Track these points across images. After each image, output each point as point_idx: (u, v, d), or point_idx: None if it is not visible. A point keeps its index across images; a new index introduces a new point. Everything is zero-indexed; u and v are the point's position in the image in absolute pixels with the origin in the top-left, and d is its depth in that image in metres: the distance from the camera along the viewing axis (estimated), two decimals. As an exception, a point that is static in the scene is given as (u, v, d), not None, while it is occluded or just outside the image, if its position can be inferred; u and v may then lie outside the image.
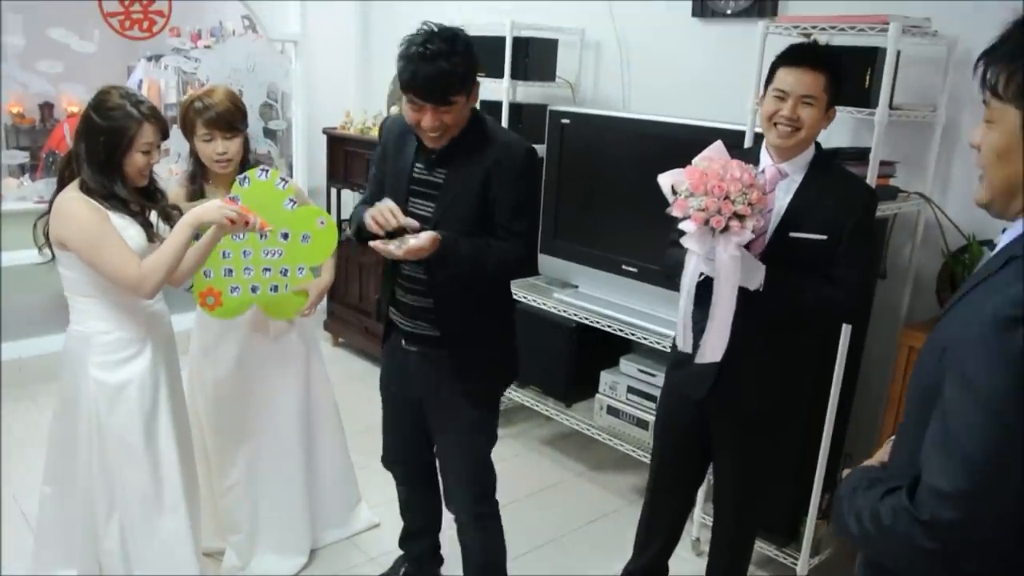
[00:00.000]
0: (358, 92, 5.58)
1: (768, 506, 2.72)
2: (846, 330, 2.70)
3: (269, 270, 2.68)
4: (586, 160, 3.68)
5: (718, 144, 2.22)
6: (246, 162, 2.74)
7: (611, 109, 3.90)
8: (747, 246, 2.12)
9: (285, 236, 2.65)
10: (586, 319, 3.62)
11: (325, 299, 5.20)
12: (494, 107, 3.91)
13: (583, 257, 3.71)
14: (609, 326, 3.52)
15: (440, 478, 2.59)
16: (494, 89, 3.87)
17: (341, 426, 3.16)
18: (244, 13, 5.67)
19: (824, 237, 2.19)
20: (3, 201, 4.56)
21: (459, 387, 2.41)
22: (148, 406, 2.44)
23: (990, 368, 1.08)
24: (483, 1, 4.02)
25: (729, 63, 3.45)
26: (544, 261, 3.83)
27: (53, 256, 2.36)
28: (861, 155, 2.65)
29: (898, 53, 2.58)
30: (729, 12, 3.48)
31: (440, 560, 2.92)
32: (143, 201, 2.41)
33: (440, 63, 2.11)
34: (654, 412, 2.96)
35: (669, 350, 2.60)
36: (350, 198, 5.44)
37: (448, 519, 2.69)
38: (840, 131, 3.07)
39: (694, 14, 3.61)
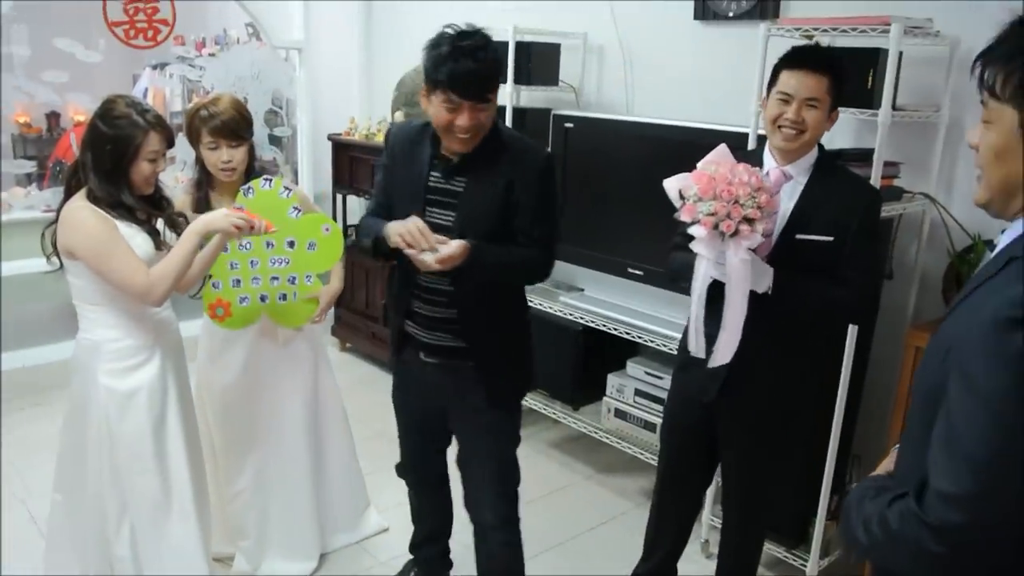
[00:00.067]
0: (362, 98, 5.60)
1: (777, 508, 2.72)
2: (852, 331, 2.70)
3: (277, 279, 2.69)
4: (590, 164, 3.68)
5: (723, 147, 2.22)
6: (251, 170, 2.75)
7: (614, 113, 3.92)
8: (754, 249, 2.13)
9: (291, 244, 2.66)
10: (592, 322, 3.62)
11: (334, 306, 5.27)
12: (498, 112, 3.90)
13: (589, 260, 3.72)
14: (615, 329, 3.53)
15: (463, 485, 2.54)
16: (497, 94, 3.87)
17: (349, 431, 3.17)
18: (248, 21, 5.70)
19: (830, 238, 2.19)
20: (11, 210, 4.59)
21: (484, 393, 2.38)
22: (157, 413, 2.45)
23: (991, 369, 1.09)
24: (486, 2, 4.03)
25: (731, 65, 3.45)
26: (550, 265, 3.83)
27: (61, 265, 2.38)
28: (865, 156, 2.66)
29: (900, 54, 2.59)
30: (731, 14, 3.49)
31: (449, 564, 2.92)
32: (149, 209, 2.42)
33: (479, 58, 2.10)
34: (661, 415, 2.97)
35: (676, 353, 2.60)
36: (356, 204, 5.46)
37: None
38: (843, 132, 3.07)
39: (696, 17, 3.62)
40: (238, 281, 2.66)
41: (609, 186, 3.62)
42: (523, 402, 2.56)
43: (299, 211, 2.62)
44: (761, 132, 2.52)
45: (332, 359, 3.18)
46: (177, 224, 2.48)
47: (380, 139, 4.89)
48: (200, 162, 2.73)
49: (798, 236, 2.21)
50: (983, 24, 1.22)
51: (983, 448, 1.08)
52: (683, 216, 2.12)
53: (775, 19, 3.07)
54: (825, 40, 2.77)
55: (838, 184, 2.25)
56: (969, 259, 2.77)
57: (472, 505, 2.52)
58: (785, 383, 2.34)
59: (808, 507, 2.92)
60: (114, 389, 2.39)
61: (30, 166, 4.80)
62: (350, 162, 5.16)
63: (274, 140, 5.17)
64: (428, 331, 2.38)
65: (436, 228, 2.18)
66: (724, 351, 2.20)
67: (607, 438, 3.70)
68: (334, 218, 5.14)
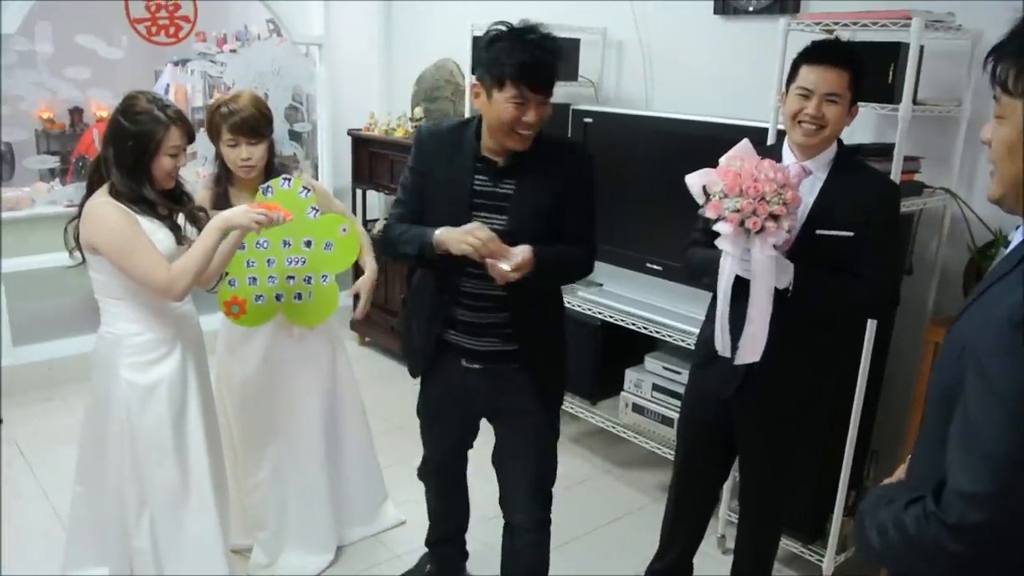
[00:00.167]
0: (382, 93, 5.62)
1: (794, 504, 2.71)
2: (872, 326, 2.69)
3: (293, 278, 2.72)
4: (609, 159, 3.67)
5: (745, 143, 2.21)
6: (271, 166, 2.77)
7: (634, 108, 3.91)
8: (776, 245, 2.12)
9: (308, 244, 2.68)
10: (611, 317, 3.62)
11: (351, 298, 5.29)
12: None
13: (607, 255, 3.69)
14: (634, 324, 3.53)
15: (500, 484, 2.51)
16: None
17: (367, 425, 3.19)
18: (269, 17, 5.72)
19: (851, 234, 2.18)
20: (34, 205, 4.64)
21: (532, 394, 2.37)
22: (178, 406, 2.47)
23: (1007, 367, 1.08)
24: (504, 1, 4.03)
25: (751, 60, 3.44)
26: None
27: (83, 260, 2.40)
28: (885, 151, 2.64)
29: (921, 48, 2.56)
30: (751, 9, 3.47)
31: (465, 555, 2.94)
32: (170, 204, 2.44)
33: (548, 49, 2.09)
34: (679, 410, 2.97)
35: (693, 348, 2.59)
36: (375, 199, 5.48)
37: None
38: (864, 127, 3.05)
39: (716, 12, 3.61)
40: (254, 279, 2.68)
41: (628, 181, 3.61)
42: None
43: (317, 211, 2.64)
44: (781, 127, 2.51)
45: (351, 353, 3.20)
46: (198, 219, 2.50)
47: (400, 134, 4.92)
48: (220, 158, 2.74)
49: (818, 232, 2.20)
50: (1005, 18, 1.21)
51: (1002, 446, 1.08)
52: (708, 212, 2.11)
53: (795, 14, 3.06)
54: (845, 34, 2.74)
55: (857, 179, 2.24)
56: (990, 254, 2.75)
57: (507, 504, 2.50)
58: (804, 379, 2.33)
59: (825, 503, 2.91)
60: (135, 382, 2.42)
61: (53, 161, 4.85)
62: (369, 157, 5.19)
63: (294, 135, 5.19)
64: (474, 337, 2.32)
65: None
66: (751, 348, 2.20)
67: (625, 433, 3.70)
68: (353, 212, 5.16)
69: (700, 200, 2.16)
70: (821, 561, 2.93)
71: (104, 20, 4.57)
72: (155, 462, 2.46)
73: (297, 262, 2.71)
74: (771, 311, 2.14)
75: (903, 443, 2.98)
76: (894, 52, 2.63)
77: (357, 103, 5.51)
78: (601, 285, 3.81)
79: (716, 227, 2.11)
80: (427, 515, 2.84)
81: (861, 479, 3.03)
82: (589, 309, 3.69)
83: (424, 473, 2.73)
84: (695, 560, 2.71)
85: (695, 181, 2.18)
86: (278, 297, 2.73)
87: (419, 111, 4.94)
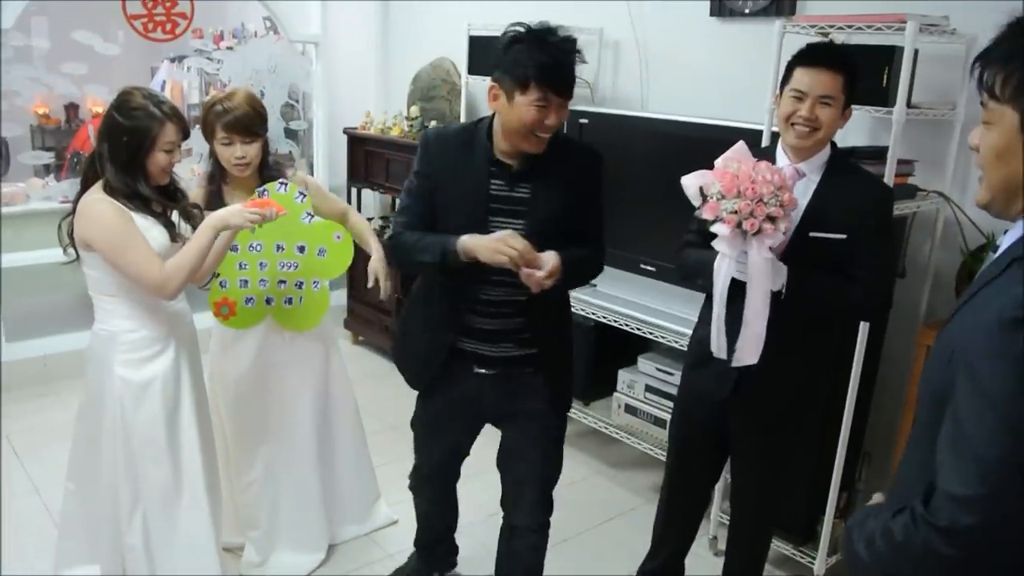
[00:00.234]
0: (378, 92, 5.62)
1: (785, 505, 2.72)
2: (864, 329, 2.69)
3: (284, 282, 2.72)
4: (605, 159, 3.68)
5: (741, 145, 2.22)
6: (265, 165, 2.77)
7: (629, 109, 3.91)
8: (771, 248, 2.13)
9: (301, 249, 2.69)
10: (604, 318, 3.62)
11: (345, 297, 5.30)
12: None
13: (601, 256, 3.72)
14: (627, 325, 3.53)
15: (504, 485, 2.50)
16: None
17: (360, 424, 3.18)
18: (265, 15, 5.72)
19: (843, 236, 2.19)
20: (29, 201, 4.63)
21: (546, 397, 2.37)
22: (172, 403, 2.47)
23: (996, 370, 1.09)
24: (501, 1, 4.03)
25: (747, 62, 3.44)
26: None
27: (78, 256, 2.40)
28: (879, 154, 2.65)
29: (916, 51, 2.57)
30: (747, 11, 3.48)
31: (456, 549, 2.94)
32: (165, 200, 2.44)
33: (570, 50, 2.07)
34: (671, 411, 2.97)
35: (686, 349, 2.60)
36: (371, 197, 5.49)
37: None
38: (858, 130, 3.06)
39: (712, 13, 3.61)
40: (245, 282, 2.69)
41: (623, 182, 3.60)
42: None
43: (312, 217, 2.64)
44: (775, 129, 2.52)
45: (344, 352, 3.20)
46: (192, 216, 2.50)
47: (396, 133, 4.91)
48: (214, 156, 2.74)
49: (811, 234, 2.21)
50: (1000, 22, 1.22)
51: (993, 449, 1.08)
52: (705, 214, 2.12)
53: (791, 16, 3.06)
54: (841, 37, 2.75)
55: (851, 182, 2.24)
56: (982, 258, 2.76)
57: (511, 505, 2.49)
58: (797, 381, 2.34)
59: (817, 505, 2.92)
60: (129, 380, 2.42)
61: (48, 157, 4.84)
62: (365, 156, 5.19)
63: (290, 133, 5.19)
64: (490, 344, 2.29)
65: None
66: (749, 351, 2.20)
67: (617, 434, 3.70)
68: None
69: (696, 202, 2.17)
70: (813, 563, 2.93)
71: (101, 16, 4.57)
72: (148, 459, 2.46)
73: (290, 267, 2.72)
74: (768, 313, 2.15)
75: (895, 445, 2.99)
76: (889, 55, 2.64)
77: (353, 102, 5.50)
78: (595, 286, 3.80)
79: (713, 228, 2.11)
80: (416, 519, 2.83)
81: (853, 481, 3.03)
82: (582, 310, 3.70)
83: (416, 481, 2.71)
84: (687, 561, 2.72)
85: (691, 182, 2.18)
86: (268, 301, 2.74)
87: (415, 110, 4.94)
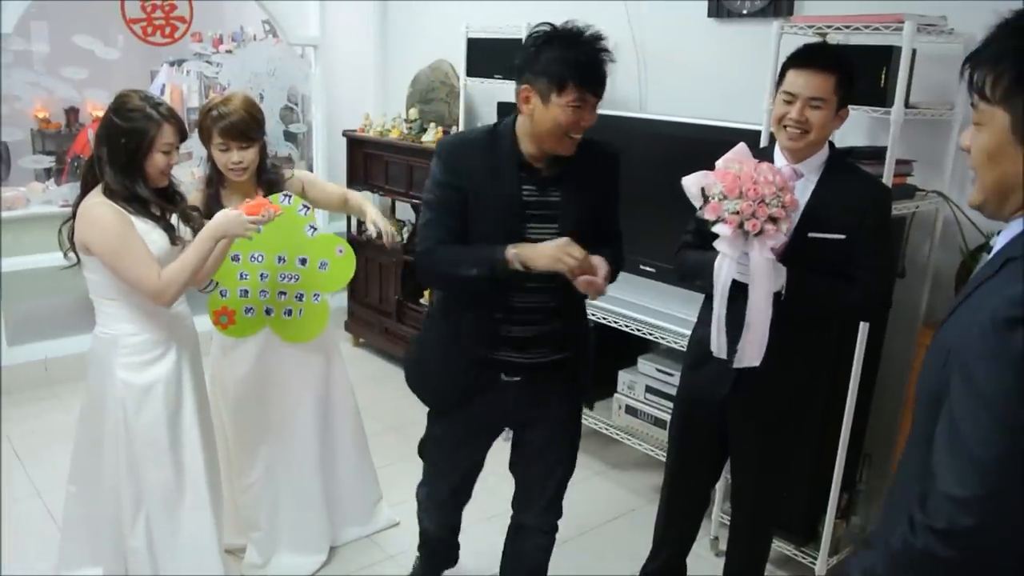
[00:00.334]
0: (377, 95, 5.62)
1: (786, 506, 2.73)
2: (864, 329, 2.70)
3: (284, 294, 2.73)
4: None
5: (742, 146, 2.22)
6: (263, 168, 2.77)
7: (627, 110, 3.91)
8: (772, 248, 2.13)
9: (303, 262, 2.70)
10: (604, 319, 3.63)
11: (345, 299, 5.30)
12: (511, 109, 3.91)
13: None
14: (627, 326, 3.53)
15: (518, 486, 2.48)
16: (512, 91, 3.88)
17: (361, 425, 3.19)
18: (264, 18, 5.73)
19: (842, 237, 2.19)
20: (29, 205, 4.64)
21: (573, 399, 2.38)
22: (173, 406, 2.48)
23: (992, 370, 1.09)
24: (499, 2, 4.04)
25: (745, 63, 3.45)
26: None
27: (78, 260, 2.41)
28: (878, 154, 2.65)
29: (914, 51, 2.58)
30: (745, 12, 3.48)
31: (457, 546, 2.93)
32: (163, 203, 2.44)
33: (603, 48, 2.06)
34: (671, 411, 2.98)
35: (685, 350, 2.60)
36: (370, 200, 5.47)
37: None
38: (856, 130, 3.06)
39: (710, 14, 3.62)
40: (246, 292, 2.70)
41: (621, 182, 3.61)
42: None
43: (315, 230, 2.66)
44: (773, 130, 2.52)
45: (345, 354, 3.20)
46: (191, 219, 2.50)
47: (395, 135, 4.92)
48: (211, 160, 2.74)
49: (810, 235, 2.21)
50: (997, 21, 1.22)
51: (989, 450, 1.08)
52: (707, 214, 2.12)
53: (788, 17, 3.06)
54: (838, 38, 2.76)
55: (849, 182, 2.24)
56: (981, 257, 2.76)
57: (523, 506, 2.48)
58: (796, 381, 2.34)
59: (818, 505, 2.92)
60: (131, 383, 2.43)
61: (48, 161, 4.85)
62: (364, 159, 5.19)
63: (289, 136, 5.20)
64: (522, 352, 2.23)
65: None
66: (751, 352, 2.21)
67: (618, 434, 3.71)
68: (346, 218, 5.16)
69: (697, 202, 2.17)
70: (814, 564, 2.94)
71: (100, 20, 4.58)
72: (151, 462, 2.47)
73: (291, 279, 2.73)
74: (770, 314, 2.15)
75: (896, 445, 2.99)
76: (886, 55, 2.64)
77: (352, 104, 5.51)
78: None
79: (715, 229, 2.12)
80: (419, 533, 2.78)
81: (854, 481, 3.04)
82: (583, 310, 3.69)
83: (429, 506, 2.61)
84: (688, 561, 2.73)
85: (693, 183, 2.19)
86: (268, 311, 2.75)
87: (414, 112, 4.94)
